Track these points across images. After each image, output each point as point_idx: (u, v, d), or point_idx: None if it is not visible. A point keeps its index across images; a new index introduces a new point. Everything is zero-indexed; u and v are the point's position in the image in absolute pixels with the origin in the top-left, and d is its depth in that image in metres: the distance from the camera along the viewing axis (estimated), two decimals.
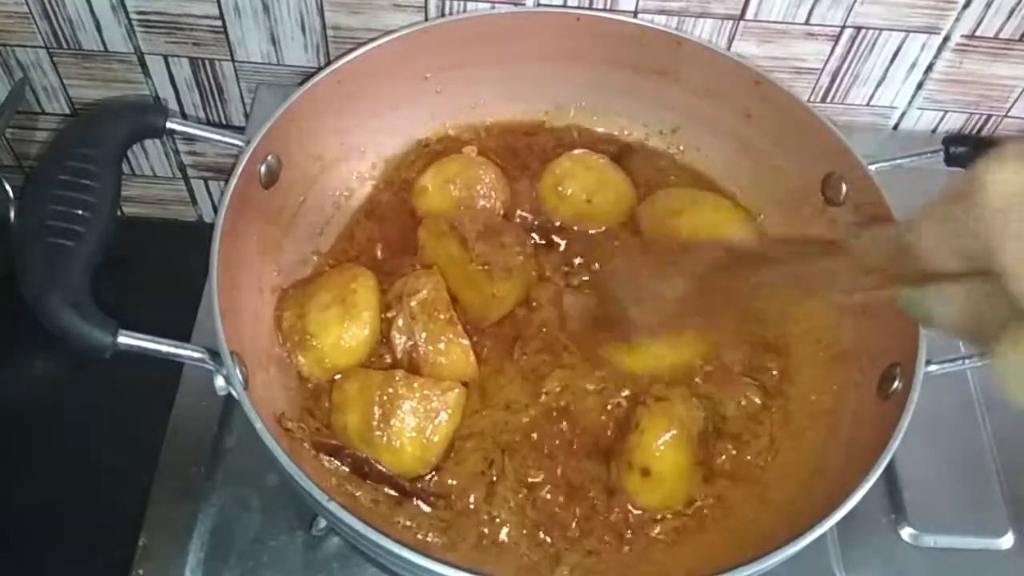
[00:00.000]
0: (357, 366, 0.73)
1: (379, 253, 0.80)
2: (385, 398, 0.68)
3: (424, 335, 0.72)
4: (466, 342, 0.72)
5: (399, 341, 0.73)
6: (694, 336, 0.74)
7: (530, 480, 0.70)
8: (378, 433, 0.67)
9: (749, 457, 0.71)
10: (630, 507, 0.69)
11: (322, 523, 0.69)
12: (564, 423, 0.72)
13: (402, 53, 0.80)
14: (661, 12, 0.83)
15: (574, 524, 0.68)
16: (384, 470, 0.68)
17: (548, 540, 0.67)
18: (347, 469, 0.68)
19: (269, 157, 0.73)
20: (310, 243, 0.80)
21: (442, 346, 0.72)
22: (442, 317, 0.72)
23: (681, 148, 0.87)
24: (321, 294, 0.73)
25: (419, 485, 0.68)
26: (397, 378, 0.69)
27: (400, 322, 0.73)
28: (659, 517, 0.69)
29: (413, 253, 0.79)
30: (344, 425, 0.69)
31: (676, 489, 0.69)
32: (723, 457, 0.71)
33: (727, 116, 0.83)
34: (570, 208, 0.81)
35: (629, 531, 0.68)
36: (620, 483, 0.69)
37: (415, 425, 0.68)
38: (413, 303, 0.72)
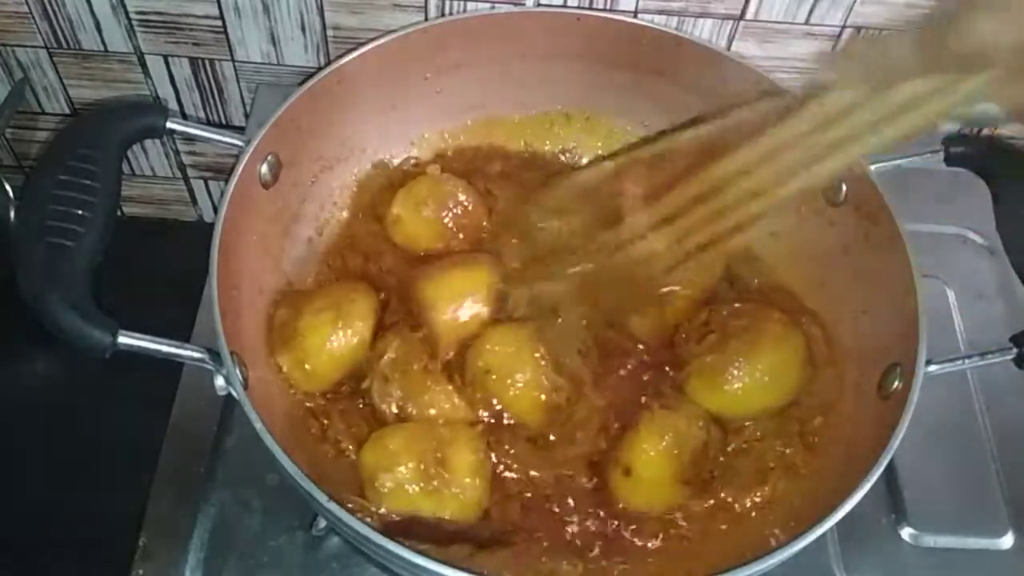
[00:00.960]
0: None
1: (379, 254, 0.80)
2: (435, 444, 0.66)
3: (401, 393, 0.70)
4: (448, 386, 0.71)
5: (386, 406, 0.70)
6: (774, 380, 0.72)
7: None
8: (436, 483, 0.65)
9: (746, 502, 0.70)
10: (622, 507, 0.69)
11: (322, 523, 0.69)
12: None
13: (402, 53, 0.80)
14: (661, 12, 0.83)
15: (580, 526, 0.69)
16: (450, 525, 0.65)
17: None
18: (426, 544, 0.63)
19: (269, 157, 0.73)
20: (310, 243, 0.80)
21: (426, 397, 0.70)
22: (415, 367, 0.71)
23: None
24: (318, 299, 0.73)
25: (487, 527, 0.67)
26: (441, 422, 0.68)
27: (376, 386, 0.71)
28: (654, 516, 0.69)
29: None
30: (394, 484, 0.65)
31: (653, 496, 0.69)
32: (716, 498, 0.70)
33: None
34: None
35: (627, 532, 0.69)
36: (608, 477, 0.69)
37: (471, 466, 0.66)
38: (383, 366, 0.71)
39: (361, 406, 0.72)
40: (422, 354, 0.72)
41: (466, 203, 0.80)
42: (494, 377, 0.70)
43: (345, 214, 0.83)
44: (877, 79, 0.53)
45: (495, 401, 0.71)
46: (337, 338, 0.71)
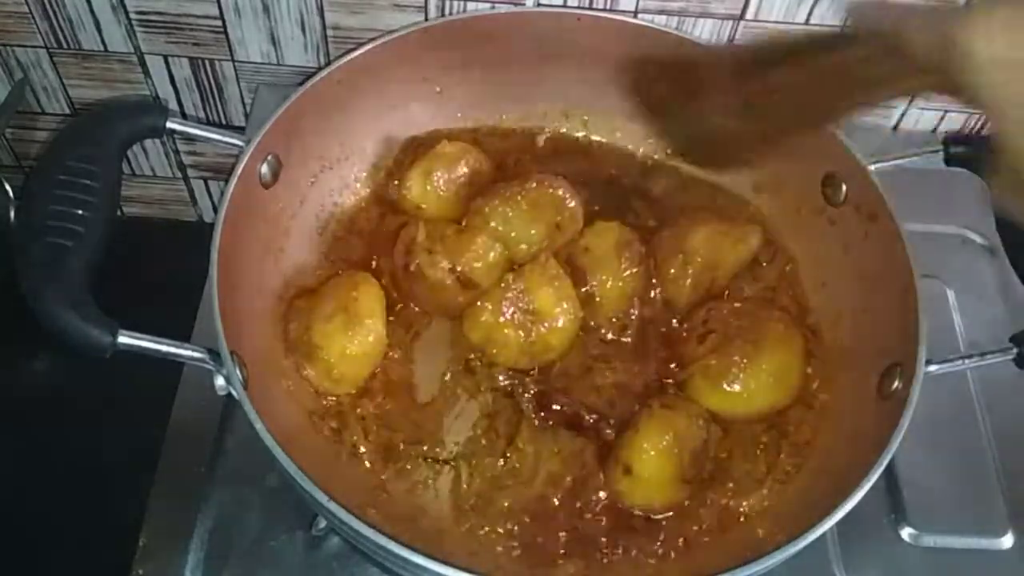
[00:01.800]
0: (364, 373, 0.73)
1: (380, 253, 0.80)
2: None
3: (447, 261, 0.75)
4: (483, 236, 0.75)
5: (440, 274, 0.74)
6: (777, 379, 0.72)
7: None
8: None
9: (743, 506, 0.70)
10: (622, 505, 0.69)
11: (322, 523, 0.69)
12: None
13: (402, 53, 0.80)
14: (661, 12, 0.84)
15: (580, 525, 0.69)
16: None
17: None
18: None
19: (269, 157, 0.73)
20: (311, 243, 0.80)
21: (471, 252, 0.75)
22: (449, 232, 0.76)
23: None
24: (324, 304, 0.73)
25: None
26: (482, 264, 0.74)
27: (423, 260, 0.75)
28: (654, 516, 0.69)
29: None
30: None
31: (654, 495, 0.69)
32: (716, 497, 0.70)
33: None
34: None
35: (627, 531, 0.69)
36: (608, 475, 0.70)
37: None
38: (420, 244, 0.75)
39: (373, 411, 0.73)
40: (448, 225, 0.76)
41: (480, 168, 0.81)
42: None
43: (345, 214, 0.82)
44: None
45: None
46: (353, 344, 0.71)
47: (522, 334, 0.73)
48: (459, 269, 0.74)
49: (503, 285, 0.73)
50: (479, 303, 0.73)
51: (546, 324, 0.73)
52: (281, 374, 0.72)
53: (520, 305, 0.73)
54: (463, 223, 0.77)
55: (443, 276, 0.74)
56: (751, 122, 0.63)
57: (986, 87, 0.42)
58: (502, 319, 0.73)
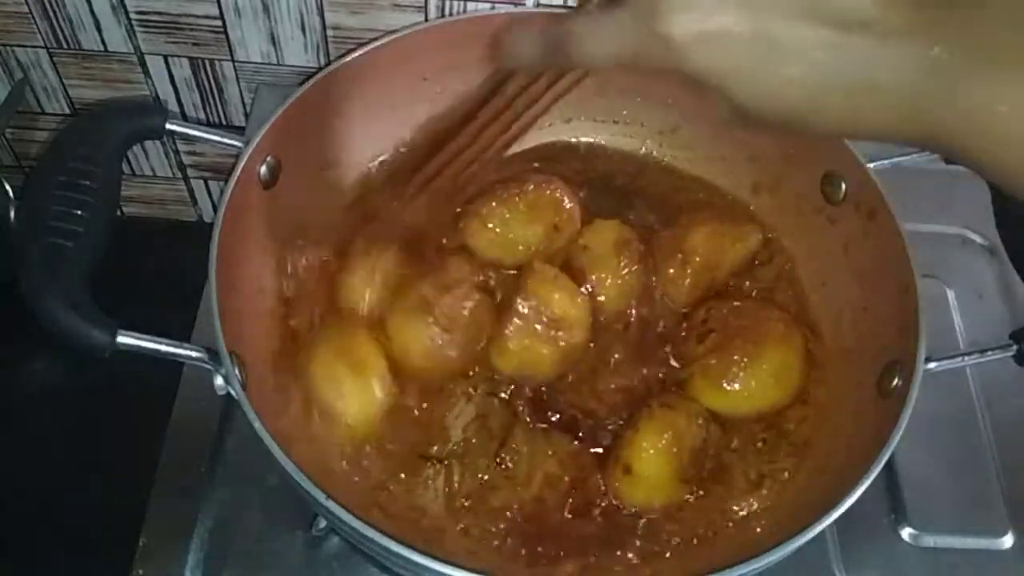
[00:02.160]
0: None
1: (381, 251, 0.80)
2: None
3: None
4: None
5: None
6: (777, 379, 0.72)
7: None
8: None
9: (742, 505, 0.70)
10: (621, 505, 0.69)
11: (322, 523, 0.69)
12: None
13: (402, 53, 0.80)
14: None
15: (579, 524, 0.69)
16: None
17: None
18: None
19: (268, 158, 0.73)
20: (310, 244, 0.80)
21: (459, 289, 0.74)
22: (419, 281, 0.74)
23: (679, 149, 0.87)
24: (327, 364, 0.70)
25: None
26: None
27: (435, 332, 0.71)
28: (653, 515, 0.69)
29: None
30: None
31: (653, 495, 0.69)
32: (715, 496, 0.70)
33: None
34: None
35: (626, 531, 0.68)
36: (608, 475, 0.70)
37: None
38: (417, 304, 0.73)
39: None
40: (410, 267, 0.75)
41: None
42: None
43: (345, 215, 0.82)
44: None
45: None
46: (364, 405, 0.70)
47: (551, 347, 0.71)
48: (448, 325, 0.71)
49: (514, 307, 0.71)
50: (503, 333, 0.71)
51: (569, 325, 0.72)
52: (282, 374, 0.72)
53: (541, 319, 0.71)
54: (444, 241, 0.76)
55: (443, 344, 0.71)
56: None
57: (702, 63, 0.42)
58: (527, 341, 0.71)
